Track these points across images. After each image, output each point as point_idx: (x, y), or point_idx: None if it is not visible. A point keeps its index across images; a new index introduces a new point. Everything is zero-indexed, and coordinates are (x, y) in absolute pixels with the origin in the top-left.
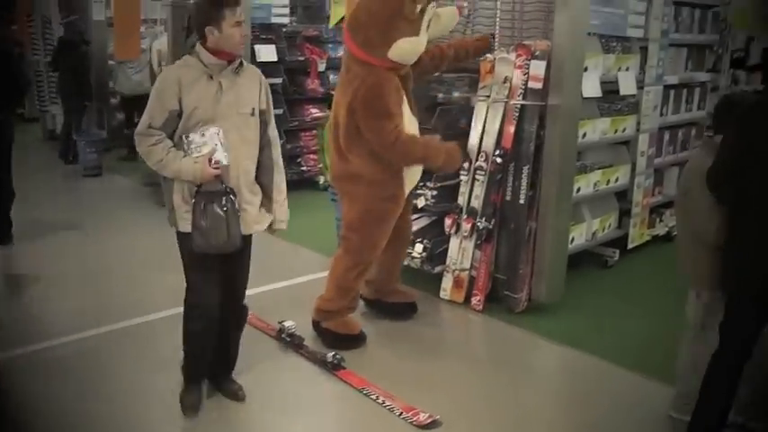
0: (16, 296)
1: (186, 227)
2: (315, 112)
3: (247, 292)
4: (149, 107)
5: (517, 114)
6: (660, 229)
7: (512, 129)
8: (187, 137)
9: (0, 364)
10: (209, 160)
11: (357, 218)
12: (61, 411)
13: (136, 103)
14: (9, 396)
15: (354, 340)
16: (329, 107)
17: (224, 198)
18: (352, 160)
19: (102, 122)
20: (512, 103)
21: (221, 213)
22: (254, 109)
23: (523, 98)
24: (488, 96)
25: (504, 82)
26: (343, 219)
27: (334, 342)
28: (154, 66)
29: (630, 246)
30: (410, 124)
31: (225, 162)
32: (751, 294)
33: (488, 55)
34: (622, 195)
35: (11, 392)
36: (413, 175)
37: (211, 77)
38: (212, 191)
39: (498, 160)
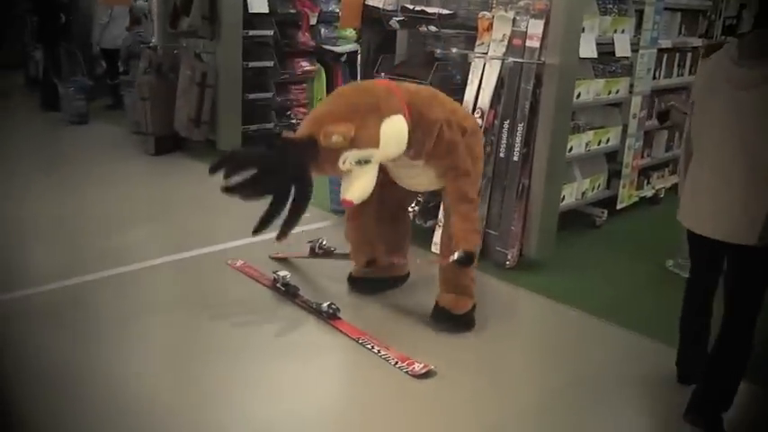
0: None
1: None
2: (305, 65)
3: (241, 242)
4: None
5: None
6: (648, 191)
7: None
8: None
9: None
10: None
11: None
12: (52, 357)
13: (115, 56)
14: None
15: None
16: (319, 61)
17: None
18: None
19: (86, 70)
20: (509, 60)
21: None
22: None
23: (521, 57)
24: (485, 53)
25: (502, 39)
26: None
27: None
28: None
29: (619, 206)
30: None
31: None
32: None
33: (486, 12)
34: (612, 156)
35: None
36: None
37: None
38: None
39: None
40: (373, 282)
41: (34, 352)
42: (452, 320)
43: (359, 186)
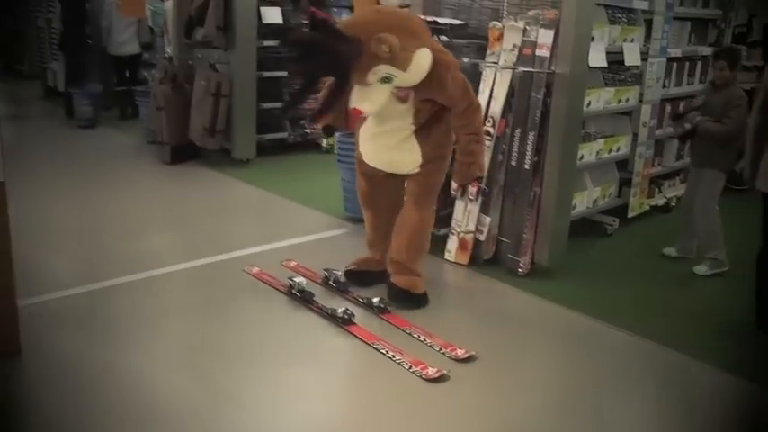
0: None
1: None
2: None
3: (256, 249)
4: None
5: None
6: (659, 200)
7: None
8: None
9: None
10: None
11: None
12: (75, 358)
13: (123, 63)
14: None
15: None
16: None
17: None
18: None
19: (101, 77)
20: (519, 70)
21: None
22: None
23: (531, 66)
24: (496, 63)
25: (512, 49)
26: None
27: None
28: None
29: (630, 215)
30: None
31: None
32: None
33: (497, 23)
34: (623, 165)
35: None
36: (366, 144)
37: None
38: None
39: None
40: (370, 274)
41: (59, 354)
42: (410, 299)
43: (374, 100)
